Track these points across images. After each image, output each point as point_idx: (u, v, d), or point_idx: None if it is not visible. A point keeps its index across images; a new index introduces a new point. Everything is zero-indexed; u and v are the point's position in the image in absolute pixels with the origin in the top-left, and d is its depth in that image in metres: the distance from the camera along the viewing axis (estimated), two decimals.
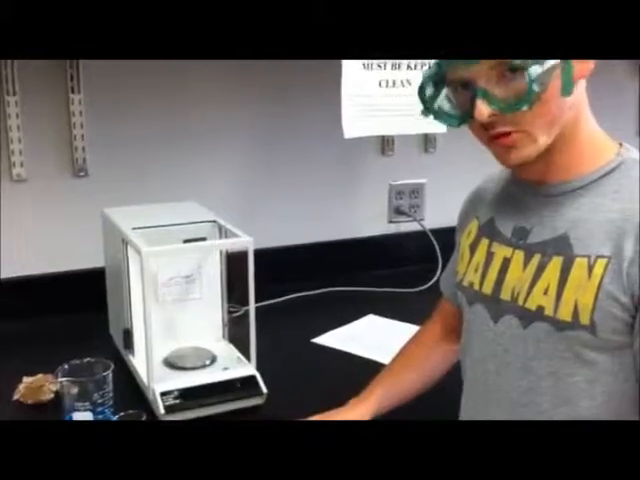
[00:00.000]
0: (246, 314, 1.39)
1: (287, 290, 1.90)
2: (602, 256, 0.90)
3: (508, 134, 0.92)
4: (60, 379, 1.24)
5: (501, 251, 1.03)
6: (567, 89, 0.89)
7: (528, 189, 1.01)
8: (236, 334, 1.50)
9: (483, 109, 0.90)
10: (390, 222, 2.17)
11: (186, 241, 1.43)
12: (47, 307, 1.74)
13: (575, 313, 0.92)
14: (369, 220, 2.14)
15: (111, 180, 1.81)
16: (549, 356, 0.96)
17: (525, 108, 0.89)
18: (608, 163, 0.95)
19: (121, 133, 1.81)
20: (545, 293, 0.95)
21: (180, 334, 1.50)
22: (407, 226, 2.17)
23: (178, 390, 1.31)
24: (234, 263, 1.47)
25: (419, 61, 1.76)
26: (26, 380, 1.40)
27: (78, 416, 1.21)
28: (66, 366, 1.24)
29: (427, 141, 2.16)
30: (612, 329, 0.90)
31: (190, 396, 1.32)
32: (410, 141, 2.12)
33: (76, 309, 1.72)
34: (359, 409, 1.17)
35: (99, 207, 1.60)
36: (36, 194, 1.77)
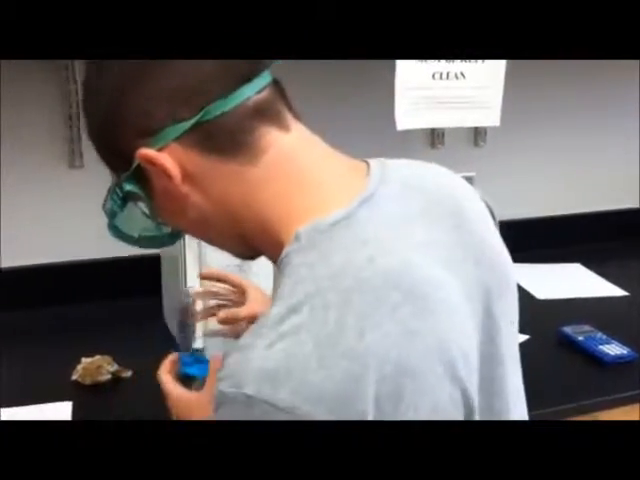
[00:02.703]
0: None
1: None
2: None
3: None
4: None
5: None
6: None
7: None
8: None
9: None
10: None
11: None
12: (105, 291, 1.79)
13: None
14: None
15: None
16: None
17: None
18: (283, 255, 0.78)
19: None
20: None
21: None
22: None
23: None
24: None
25: None
26: (85, 361, 1.45)
27: None
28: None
29: (477, 134, 2.16)
30: None
31: None
32: (460, 134, 2.12)
33: (132, 294, 1.76)
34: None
35: None
36: (94, 181, 1.80)
